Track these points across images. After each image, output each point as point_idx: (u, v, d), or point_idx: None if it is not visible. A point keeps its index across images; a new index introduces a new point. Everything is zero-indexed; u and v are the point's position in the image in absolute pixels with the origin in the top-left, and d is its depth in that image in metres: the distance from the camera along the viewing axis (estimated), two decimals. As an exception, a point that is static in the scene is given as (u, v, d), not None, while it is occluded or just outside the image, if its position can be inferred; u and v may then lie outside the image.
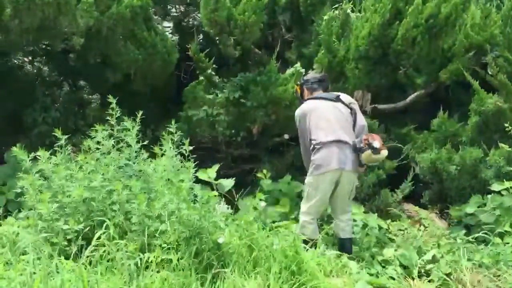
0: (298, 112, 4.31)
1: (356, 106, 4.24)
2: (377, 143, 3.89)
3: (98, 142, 3.51)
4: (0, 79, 5.74)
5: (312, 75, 4.59)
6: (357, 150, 3.95)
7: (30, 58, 6.52)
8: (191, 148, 3.47)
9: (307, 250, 3.47)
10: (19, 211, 3.73)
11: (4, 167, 5.18)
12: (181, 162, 3.45)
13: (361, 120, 4.17)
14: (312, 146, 4.06)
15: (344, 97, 4.28)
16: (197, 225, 3.00)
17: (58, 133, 3.43)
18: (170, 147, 3.46)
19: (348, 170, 3.94)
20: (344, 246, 3.98)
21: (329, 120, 4.04)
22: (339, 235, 4.10)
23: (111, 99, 3.56)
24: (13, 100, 5.80)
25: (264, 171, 5.01)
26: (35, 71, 6.48)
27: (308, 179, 4.09)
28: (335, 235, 4.17)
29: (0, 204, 4.89)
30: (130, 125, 3.48)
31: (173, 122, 3.56)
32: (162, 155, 3.47)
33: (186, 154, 3.45)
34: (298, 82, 4.56)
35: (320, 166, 3.96)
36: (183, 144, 3.49)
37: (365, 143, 3.91)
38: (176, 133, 3.51)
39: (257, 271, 3.00)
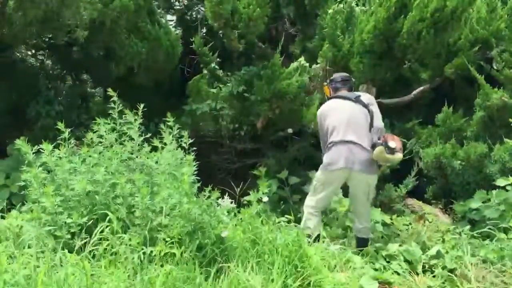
0: (319, 111, 4.38)
1: (374, 108, 4.19)
2: (393, 143, 3.89)
3: (100, 136, 3.49)
4: (3, 72, 5.74)
5: (337, 74, 4.57)
6: (373, 145, 3.94)
7: (33, 51, 6.52)
8: (191, 140, 3.44)
9: (310, 244, 3.48)
10: (23, 204, 3.73)
11: (7, 160, 5.18)
12: (183, 155, 3.43)
13: (378, 122, 4.15)
14: (327, 144, 4.14)
15: (365, 97, 4.25)
16: (199, 219, 2.99)
17: (61, 126, 3.42)
18: (172, 140, 3.43)
19: (357, 170, 3.94)
20: (359, 243, 4.07)
21: (343, 120, 4.06)
22: (356, 234, 4.18)
23: (111, 92, 3.53)
24: (17, 93, 5.80)
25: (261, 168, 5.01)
26: (38, 64, 6.47)
27: (317, 173, 4.16)
28: (354, 233, 4.24)
29: (4, 197, 4.89)
30: (132, 118, 3.46)
31: (169, 114, 3.52)
32: (162, 148, 3.45)
33: (187, 147, 3.42)
34: (325, 82, 4.61)
35: (328, 163, 4.03)
36: (184, 136, 3.47)
37: (382, 139, 3.93)
38: (175, 126, 3.48)
39: (260, 265, 2.99)
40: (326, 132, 4.17)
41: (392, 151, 3.87)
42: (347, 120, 4.06)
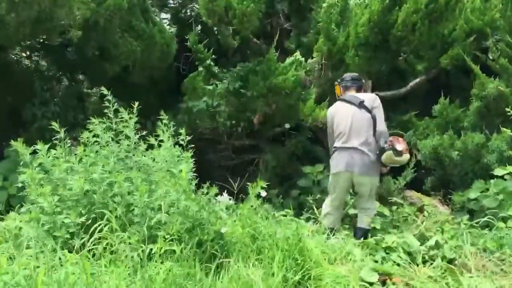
0: (327, 112, 4.72)
1: (377, 111, 4.36)
2: (400, 146, 4.17)
3: (95, 135, 3.49)
4: (-1, 74, 5.72)
5: (347, 74, 4.78)
6: (381, 151, 4.21)
7: (27, 52, 6.50)
8: (189, 138, 3.44)
9: (328, 237, 3.82)
10: (21, 205, 3.72)
11: (5, 162, 5.17)
12: (180, 153, 3.43)
13: (381, 125, 4.32)
14: (332, 149, 4.53)
15: (368, 101, 4.39)
16: (197, 216, 2.99)
17: (56, 126, 3.41)
18: (168, 138, 3.43)
19: (357, 173, 4.26)
20: (356, 233, 4.34)
21: (347, 126, 4.35)
22: (356, 223, 4.46)
23: (105, 91, 3.53)
24: (12, 95, 5.79)
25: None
26: (33, 65, 6.46)
27: (330, 177, 4.55)
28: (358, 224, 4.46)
29: (2, 199, 4.89)
30: (127, 117, 3.46)
31: (162, 112, 3.53)
32: (159, 145, 3.45)
33: (185, 144, 3.42)
34: (336, 82, 4.79)
35: (333, 167, 4.43)
36: (181, 134, 3.47)
37: (389, 144, 4.19)
38: (170, 123, 3.48)
39: (260, 259, 2.99)
40: (332, 134, 4.53)
41: (400, 153, 4.16)
42: (350, 126, 4.32)
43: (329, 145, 4.71)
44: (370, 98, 4.41)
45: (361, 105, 4.34)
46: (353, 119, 4.32)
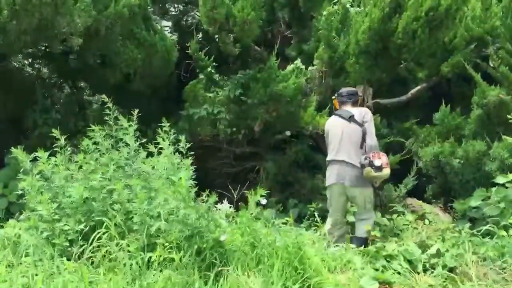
0: (325, 124, 4.83)
1: (368, 125, 4.48)
2: (378, 162, 4.23)
3: (96, 143, 3.49)
4: (0, 81, 5.73)
5: (344, 89, 4.87)
6: (361, 167, 4.30)
7: (29, 60, 6.52)
8: (189, 145, 3.44)
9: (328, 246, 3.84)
10: (21, 212, 3.72)
11: (5, 169, 5.18)
12: (180, 160, 3.42)
13: (371, 140, 4.44)
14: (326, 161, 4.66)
15: (359, 115, 4.51)
16: (196, 224, 2.98)
17: (56, 134, 3.41)
18: (169, 145, 3.42)
19: (348, 185, 4.40)
20: (352, 241, 4.32)
21: (337, 140, 4.50)
22: (353, 232, 4.58)
23: (106, 98, 3.54)
24: (14, 102, 5.80)
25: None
26: (34, 73, 6.48)
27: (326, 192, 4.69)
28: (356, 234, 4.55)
29: (2, 206, 4.88)
30: (127, 124, 3.46)
31: (164, 119, 3.53)
32: (159, 153, 3.45)
33: (184, 152, 3.42)
34: (333, 96, 4.91)
35: (327, 180, 4.60)
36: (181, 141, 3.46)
37: (368, 160, 4.26)
38: (171, 130, 3.48)
39: (260, 268, 2.97)
40: (327, 146, 4.65)
41: (379, 168, 4.23)
42: (340, 140, 4.47)
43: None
44: (361, 113, 4.56)
45: (351, 119, 4.48)
46: (343, 133, 4.47)
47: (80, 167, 3.36)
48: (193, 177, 3.29)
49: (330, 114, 4.97)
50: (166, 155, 3.37)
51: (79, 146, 3.62)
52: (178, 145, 3.46)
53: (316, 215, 4.72)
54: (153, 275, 2.77)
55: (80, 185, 3.15)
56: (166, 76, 6.23)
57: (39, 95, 5.97)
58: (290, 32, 6.93)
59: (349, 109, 4.61)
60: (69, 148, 3.50)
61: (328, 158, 4.58)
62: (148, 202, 3.06)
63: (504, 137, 5.13)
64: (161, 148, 3.45)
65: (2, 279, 2.65)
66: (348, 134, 4.45)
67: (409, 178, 5.60)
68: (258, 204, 3.35)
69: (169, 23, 7.48)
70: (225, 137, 6.16)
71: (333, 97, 4.88)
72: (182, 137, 3.45)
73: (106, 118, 3.55)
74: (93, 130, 3.50)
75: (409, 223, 4.64)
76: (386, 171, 4.29)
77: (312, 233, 4.45)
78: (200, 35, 7.13)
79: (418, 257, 3.53)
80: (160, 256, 2.84)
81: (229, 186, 4.50)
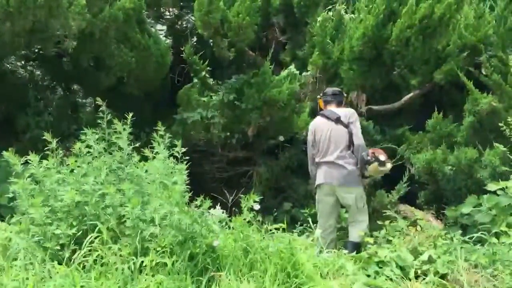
0: (310, 125, 4.87)
1: (354, 126, 4.56)
2: (382, 157, 4.45)
3: (88, 146, 3.46)
4: (-7, 83, 5.70)
5: (328, 89, 4.98)
6: (365, 163, 4.41)
7: (22, 62, 6.48)
8: (184, 149, 3.43)
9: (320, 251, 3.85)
10: (12, 216, 3.68)
11: (-4, 172, 5.12)
12: (174, 165, 3.40)
13: (357, 140, 4.51)
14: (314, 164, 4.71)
15: (344, 116, 4.58)
16: (189, 229, 2.97)
17: (48, 137, 3.39)
18: (163, 149, 3.41)
19: (336, 185, 4.48)
20: (346, 246, 4.40)
21: (325, 142, 4.57)
22: (347, 237, 4.62)
23: (100, 101, 3.51)
24: (6, 104, 5.77)
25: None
26: (27, 75, 6.43)
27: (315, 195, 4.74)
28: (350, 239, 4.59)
29: (-7, 209, 4.83)
30: (120, 128, 3.44)
31: (159, 123, 3.51)
32: (154, 157, 3.43)
33: (179, 156, 3.40)
34: (319, 96, 4.99)
35: (316, 180, 4.65)
36: (176, 146, 3.45)
37: (372, 156, 4.41)
38: (165, 135, 3.47)
39: (252, 273, 2.97)
40: (312, 147, 4.70)
41: (383, 163, 4.43)
42: (327, 141, 4.55)
43: (308, 157, 4.81)
44: (347, 114, 4.61)
45: (337, 120, 4.55)
46: (330, 134, 4.54)
47: (72, 170, 3.34)
48: (186, 181, 3.28)
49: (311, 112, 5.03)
50: (159, 159, 3.35)
51: (71, 149, 3.59)
52: (173, 150, 3.45)
53: (310, 221, 4.73)
54: (145, 280, 2.76)
55: (72, 189, 3.12)
56: (160, 80, 6.22)
57: (31, 98, 5.92)
58: (285, 37, 6.95)
59: (334, 109, 4.68)
60: (61, 151, 3.48)
61: (316, 160, 4.64)
62: (141, 206, 3.04)
63: (495, 144, 5.16)
64: (156, 153, 3.43)
65: (-8, 283, 2.63)
66: (334, 136, 4.53)
67: (401, 184, 5.61)
68: (251, 209, 3.34)
69: (164, 27, 7.46)
70: (219, 141, 6.15)
71: (318, 97, 4.96)
72: (179, 142, 3.43)
73: (99, 121, 3.53)
74: (85, 133, 3.48)
75: (401, 229, 4.64)
76: (389, 166, 4.51)
77: (305, 238, 4.45)
78: (195, 39, 7.14)
79: (410, 263, 3.54)
80: (153, 260, 2.83)
81: (223, 190, 4.49)
